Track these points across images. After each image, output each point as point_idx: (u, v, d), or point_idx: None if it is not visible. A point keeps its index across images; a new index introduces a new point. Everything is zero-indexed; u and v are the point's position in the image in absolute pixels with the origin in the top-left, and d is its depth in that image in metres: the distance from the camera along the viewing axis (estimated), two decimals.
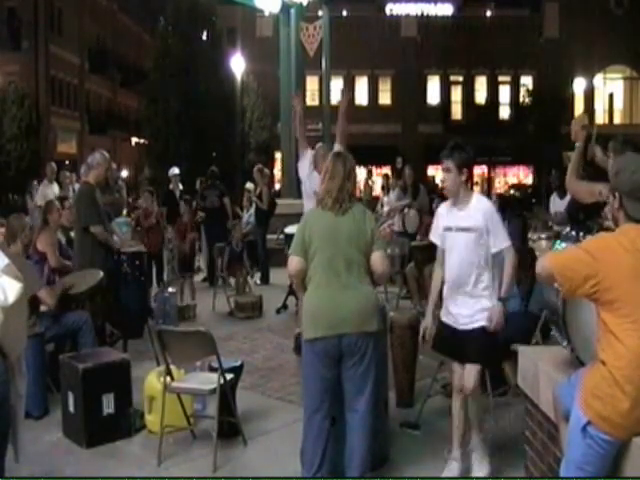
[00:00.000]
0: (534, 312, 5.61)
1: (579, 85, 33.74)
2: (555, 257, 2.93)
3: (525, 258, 5.95)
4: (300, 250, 4.02)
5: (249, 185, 14.04)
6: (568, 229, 3.89)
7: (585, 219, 4.20)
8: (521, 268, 5.85)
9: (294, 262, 4.06)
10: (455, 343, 4.32)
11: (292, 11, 14.51)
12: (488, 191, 35.29)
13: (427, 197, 10.82)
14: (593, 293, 2.76)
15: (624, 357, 2.68)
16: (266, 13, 16.29)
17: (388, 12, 33.52)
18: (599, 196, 3.68)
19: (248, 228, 12.17)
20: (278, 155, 21.25)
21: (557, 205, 8.37)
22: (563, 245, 3.68)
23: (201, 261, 13.15)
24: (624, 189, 2.82)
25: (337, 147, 6.09)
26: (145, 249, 8.45)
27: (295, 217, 7.95)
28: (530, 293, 5.63)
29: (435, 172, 35.60)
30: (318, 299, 3.97)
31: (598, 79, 34.95)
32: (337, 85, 32.21)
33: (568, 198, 8.15)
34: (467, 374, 4.25)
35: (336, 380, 3.95)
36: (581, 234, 3.57)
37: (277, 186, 19.97)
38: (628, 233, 2.81)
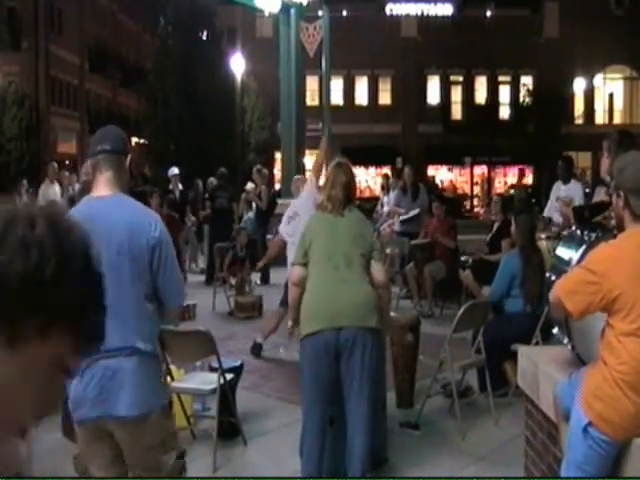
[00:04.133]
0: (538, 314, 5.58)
1: (579, 85, 33.74)
2: (560, 285, 2.90)
3: (533, 257, 5.93)
4: (301, 256, 4.05)
5: (249, 186, 14.05)
6: (573, 228, 3.86)
7: (590, 217, 4.17)
8: (529, 267, 5.85)
9: (296, 271, 4.09)
10: None
11: (292, 11, 14.49)
12: (488, 191, 35.34)
13: (427, 197, 10.81)
14: (603, 307, 2.74)
15: (626, 363, 2.68)
16: (266, 13, 16.22)
17: (388, 12, 33.45)
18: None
19: (248, 228, 12.18)
20: (278, 155, 21.25)
21: (561, 191, 8.33)
22: (566, 247, 3.66)
23: (200, 261, 13.20)
24: (628, 186, 2.77)
25: (312, 179, 6.69)
26: None
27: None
28: (540, 296, 5.58)
29: (435, 172, 35.69)
30: (317, 293, 3.98)
31: (598, 79, 34.95)
32: (337, 85, 32.26)
33: (572, 185, 8.14)
34: None
35: (335, 379, 3.95)
36: (586, 233, 3.54)
37: (277, 186, 19.98)
38: (631, 238, 2.79)
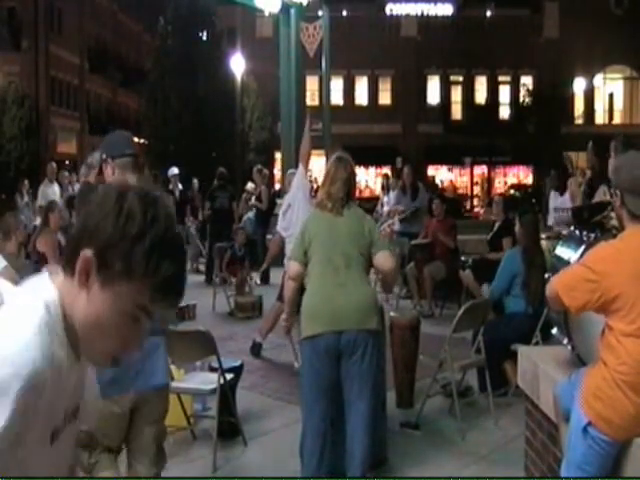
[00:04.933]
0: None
1: (579, 85, 33.74)
2: (559, 280, 2.91)
3: (536, 258, 5.92)
4: (300, 254, 4.03)
5: (249, 186, 14.03)
6: (572, 228, 3.86)
7: (590, 217, 4.18)
8: (532, 267, 5.84)
9: (293, 266, 4.09)
10: None
11: (292, 11, 14.49)
12: (488, 191, 35.34)
13: (427, 197, 10.81)
14: (600, 305, 2.75)
15: (626, 363, 2.68)
16: (266, 13, 16.23)
17: (388, 12, 33.48)
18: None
19: (247, 228, 12.18)
20: (278, 155, 21.27)
21: (558, 202, 8.34)
22: (565, 247, 3.66)
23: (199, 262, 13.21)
24: (624, 185, 2.79)
25: (300, 169, 6.69)
26: None
27: None
28: (543, 294, 5.57)
29: (435, 172, 35.69)
30: (317, 296, 3.96)
31: (598, 79, 34.95)
32: (337, 85, 32.27)
33: (568, 196, 8.14)
34: None
35: (335, 380, 3.94)
36: (585, 233, 3.54)
37: (277, 186, 19.99)
38: (629, 237, 2.80)
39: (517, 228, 6.20)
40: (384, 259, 4.01)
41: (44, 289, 1.25)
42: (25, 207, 12.80)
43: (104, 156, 3.41)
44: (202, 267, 12.71)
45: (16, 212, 6.48)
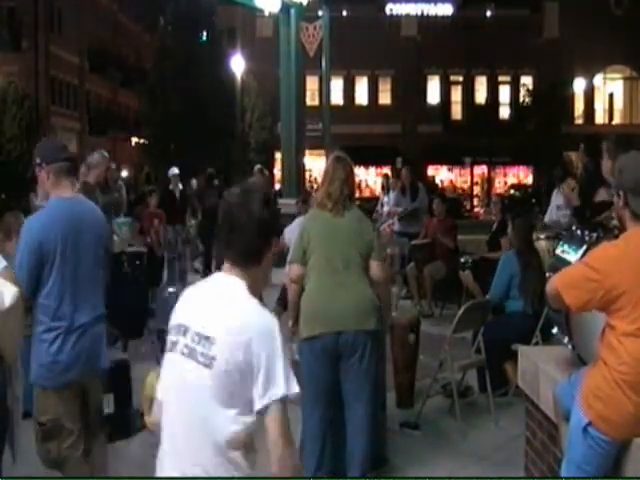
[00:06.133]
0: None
1: (579, 85, 33.75)
2: (560, 278, 2.90)
3: (531, 260, 5.93)
4: (300, 256, 4.02)
5: None
6: (574, 227, 3.85)
7: (591, 217, 4.16)
8: (528, 270, 5.85)
9: (294, 269, 4.07)
10: None
11: (292, 11, 14.48)
12: (488, 191, 35.35)
13: (427, 197, 10.81)
14: (601, 305, 2.74)
15: (626, 363, 2.67)
16: (266, 13, 16.23)
17: (388, 12, 33.48)
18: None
19: None
20: (278, 155, 21.28)
21: (559, 200, 8.35)
22: (566, 247, 3.65)
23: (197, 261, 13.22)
24: (628, 186, 2.78)
25: None
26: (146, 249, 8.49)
27: (295, 217, 7.97)
28: (541, 296, 5.58)
29: (435, 172, 35.70)
30: (316, 297, 3.96)
31: (598, 79, 34.95)
32: (337, 85, 32.27)
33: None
34: None
35: (334, 380, 3.94)
36: (586, 232, 3.53)
37: (277, 186, 19.99)
38: (632, 238, 2.79)
39: (510, 231, 6.21)
40: (375, 269, 4.02)
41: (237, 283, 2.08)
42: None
43: (38, 161, 3.52)
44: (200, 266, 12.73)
45: (17, 212, 6.45)
